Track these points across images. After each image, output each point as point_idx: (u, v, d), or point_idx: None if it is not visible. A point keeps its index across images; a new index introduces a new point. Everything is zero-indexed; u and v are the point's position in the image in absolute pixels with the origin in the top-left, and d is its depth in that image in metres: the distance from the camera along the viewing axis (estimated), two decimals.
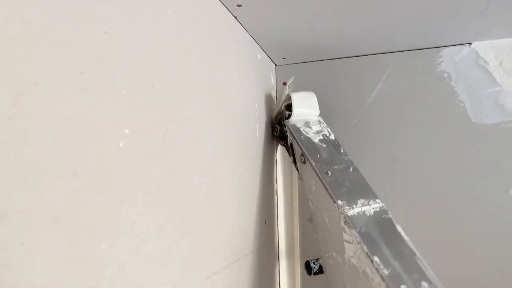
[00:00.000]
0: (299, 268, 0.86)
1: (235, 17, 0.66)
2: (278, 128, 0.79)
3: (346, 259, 0.54)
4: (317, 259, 0.66)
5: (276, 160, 0.87)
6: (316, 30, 0.74)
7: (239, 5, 0.62)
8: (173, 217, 0.44)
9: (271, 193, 0.83)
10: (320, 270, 0.65)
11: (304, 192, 0.69)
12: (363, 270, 0.50)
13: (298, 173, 0.72)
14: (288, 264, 0.86)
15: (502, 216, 0.76)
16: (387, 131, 0.84)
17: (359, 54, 0.87)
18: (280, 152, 0.88)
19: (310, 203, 0.67)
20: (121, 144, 0.35)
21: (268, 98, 0.85)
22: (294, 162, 0.74)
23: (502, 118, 0.77)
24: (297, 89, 0.90)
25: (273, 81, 0.90)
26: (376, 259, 0.48)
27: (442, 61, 0.82)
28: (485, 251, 0.76)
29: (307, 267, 0.66)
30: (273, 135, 0.84)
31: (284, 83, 0.91)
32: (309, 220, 0.68)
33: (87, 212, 0.31)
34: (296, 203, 0.89)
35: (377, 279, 0.47)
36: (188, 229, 0.47)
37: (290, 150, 0.75)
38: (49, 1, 0.28)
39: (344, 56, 0.89)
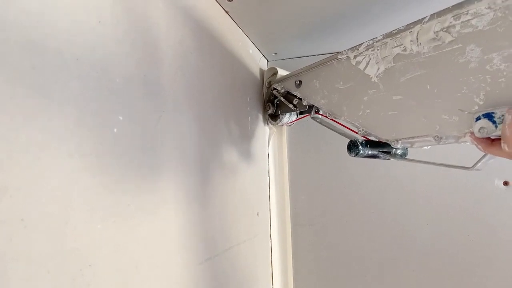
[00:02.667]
0: (291, 258, 0.88)
1: (227, 12, 0.68)
2: (270, 105, 0.83)
3: (376, 79, 0.55)
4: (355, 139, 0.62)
5: (268, 154, 0.89)
6: (306, 26, 0.75)
7: (230, 0, 0.63)
8: (166, 203, 0.45)
9: (263, 185, 0.84)
10: (366, 141, 0.62)
11: (317, 102, 0.68)
12: (394, 56, 0.52)
13: (306, 108, 0.73)
14: (280, 254, 0.88)
15: (487, 206, 0.78)
16: None
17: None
18: (272, 146, 0.90)
19: (322, 101, 0.66)
20: (115, 130, 0.37)
21: (260, 92, 0.87)
22: (295, 107, 0.75)
23: None
24: None
25: (264, 76, 0.91)
26: (393, 31, 0.52)
27: None
28: (471, 240, 0.78)
29: (353, 145, 0.62)
30: (266, 119, 0.86)
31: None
32: (330, 117, 0.66)
33: (83, 193, 0.32)
34: (287, 196, 0.91)
35: (407, 37, 0.50)
36: (181, 214, 0.48)
37: (286, 103, 0.76)
38: None
39: (333, 52, 0.90)
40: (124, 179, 0.38)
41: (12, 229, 0.26)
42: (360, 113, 0.60)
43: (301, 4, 0.66)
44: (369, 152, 0.62)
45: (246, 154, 0.75)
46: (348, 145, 0.63)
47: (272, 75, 0.82)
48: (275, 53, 0.91)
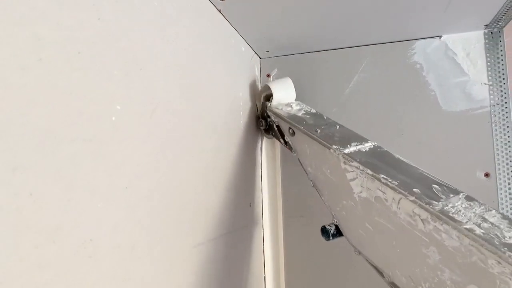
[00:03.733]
0: (282, 247, 0.92)
1: (219, 11, 0.71)
2: (263, 122, 0.85)
3: (356, 198, 0.56)
4: (331, 223, 0.66)
5: (261, 148, 0.92)
6: (297, 24, 0.79)
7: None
8: (161, 188, 0.48)
9: (255, 178, 0.88)
10: (338, 231, 0.65)
11: (303, 162, 0.72)
12: (375, 196, 0.52)
13: (292, 151, 0.76)
14: (272, 244, 0.91)
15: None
16: (364, 119, 0.90)
17: (338, 47, 0.93)
18: (265, 140, 0.93)
19: (309, 168, 0.70)
20: (113, 118, 0.40)
21: (253, 89, 0.90)
22: (285, 143, 0.78)
23: (469, 106, 0.83)
24: None
25: (257, 73, 0.94)
26: (382, 175, 0.51)
27: (414, 53, 0.88)
28: None
29: (324, 232, 0.65)
30: (258, 129, 0.89)
31: (268, 75, 0.96)
32: (312, 186, 0.70)
33: (84, 174, 0.35)
34: (279, 189, 0.94)
35: (390, 193, 0.49)
36: (175, 200, 0.52)
37: (278, 133, 0.79)
38: None
39: (324, 49, 0.94)
40: (122, 163, 0.41)
41: (21, 203, 0.29)
42: (338, 209, 0.63)
43: (293, 3, 0.69)
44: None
45: (239, 146, 0.79)
46: (321, 229, 0.66)
47: (266, 90, 0.83)
48: (267, 51, 0.94)
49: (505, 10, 0.74)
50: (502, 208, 0.80)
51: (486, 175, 0.81)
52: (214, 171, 0.65)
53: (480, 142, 0.82)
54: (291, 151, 0.76)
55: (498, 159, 0.81)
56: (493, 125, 0.82)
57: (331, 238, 0.65)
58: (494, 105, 0.82)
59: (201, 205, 0.59)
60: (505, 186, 0.80)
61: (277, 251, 0.92)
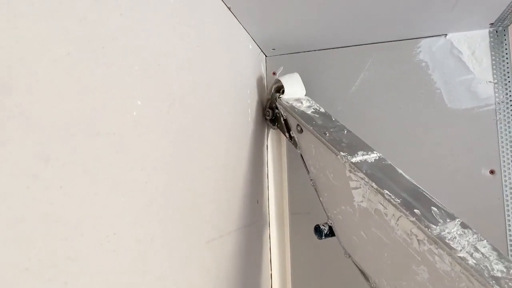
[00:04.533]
0: (288, 244, 0.92)
1: (229, 8, 0.71)
2: (270, 112, 0.85)
3: (356, 206, 0.58)
4: (326, 223, 0.68)
5: (267, 146, 0.93)
6: (304, 23, 0.79)
7: None
8: (176, 184, 0.49)
9: (262, 175, 0.88)
10: (331, 232, 0.67)
11: (306, 160, 0.73)
12: (375, 208, 0.54)
13: (296, 147, 0.76)
14: (278, 240, 0.92)
15: (475, 194, 0.83)
16: (370, 117, 0.90)
17: (344, 45, 0.93)
18: (270, 137, 0.94)
19: (311, 168, 0.71)
20: (134, 113, 0.40)
21: (259, 86, 0.90)
22: (290, 138, 0.78)
23: (474, 104, 0.84)
24: None
25: (263, 71, 0.95)
26: (386, 191, 0.53)
27: (420, 51, 0.89)
28: None
29: (317, 231, 0.67)
30: (264, 119, 0.89)
31: (274, 73, 0.96)
32: (312, 186, 0.72)
33: (108, 168, 0.36)
34: (285, 185, 0.94)
35: (391, 209, 0.51)
36: (189, 195, 0.52)
37: (284, 127, 0.80)
38: None
39: (330, 47, 0.95)
40: (143, 157, 0.41)
41: (53, 195, 0.29)
42: (335, 212, 0.64)
43: (299, 2, 0.69)
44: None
45: (247, 145, 0.79)
46: (315, 227, 0.69)
47: (277, 82, 0.84)
48: (273, 49, 0.94)
49: (511, 9, 0.75)
50: (507, 205, 0.81)
51: (491, 172, 0.82)
52: (225, 167, 0.66)
53: (485, 139, 0.83)
54: (295, 147, 0.77)
55: (503, 156, 0.82)
56: (498, 122, 0.83)
57: (323, 237, 0.67)
58: (499, 103, 0.83)
59: (213, 201, 0.60)
60: (510, 183, 0.81)
61: (283, 248, 0.93)
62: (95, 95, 0.35)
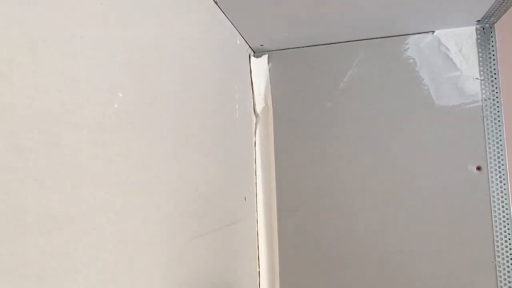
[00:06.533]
0: (276, 241, 0.92)
1: (216, 3, 0.70)
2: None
3: None
4: None
5: (255, 142, 0.92)
6: (291, 19, 0.79)
7: None
8: (161, 179, 0.48)
9: (250, 171, 0.87)
10: None
11: None
12: None
13: None
14: (266, 237, 0.91)
15: (463, 190, 0.83)
16: (358, 114, 0.90)
17: (332, 42, 0.93)
18: (259, 133, 0.93)
19: None
20: (116, 106, 0.39)
21: (247, 83, 0.90)
22: None
23: (461, 100, 0.84)
24: (273, 74, 0.96)
25: (251, 67, 0.94)
26: None
27: (408, 48, 0.89)
28: (447, 224, 0.83)
29: None
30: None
31: None
32: None
33: (88, 162, 0.35)
34: (273, 182, 0.94)
35: None
36: (173, 191, 0.51)
37: None
38: None
39: (318, 44, 0.94)
40: (124, 151, 0.40)
41: (27, 189, 0.28)
42: None
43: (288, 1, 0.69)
44: None
45: (234, 141, 0.78)
46: None
47: None
48: (261, 45, 0.94)
49: (497, 6, 0.76)
50: (494, 201, 0.81)
51: (478, 168, 0.83)
52: (211, 164, 0.65)
53: (472, 136, 0.83)
54: None
55: (490, 153, 0.82)
56: (485, 119, 0.83)
57: None
58: (485, 100, 0.83)
59: (199, 198, 0.59)
60: (497, 180, 0.81)
61: (271, 245, 0.92)
62: (73, 86, 0.33)
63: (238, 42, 0.85)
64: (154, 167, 0.46)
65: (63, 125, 0.32)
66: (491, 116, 0.83)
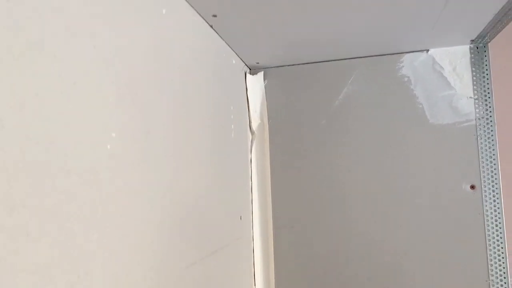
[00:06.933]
0: (272, 260, 0.92)
1: (211, 26, 0.71)
2: None
3: None
4: None
5: (251, 159, 0.92)
6: (286, 37, 0.79)
7: (214, 15, 0.66)
8: (155, 212, 0.48)
9: (246, 190, 0.88)
10: None
11: None
12: None
13: None
14: (262, 256, 0.91)
15: (457, 208, 0.84)
16: (353, 131, 0.91)
17: (328, 60, 0.94)
18: (255, 150, 0.93)
19: None
20: (109, 147, 0.40)
21: (243, 101, 0.90)
22: None
23: (455, 119, 0.85)
24: (269, 91, 0.96)
25: (247, 85, 0.94)
26: None
27: (402, 66, 0.89)
28: (441, 242, 0.84)
29: None
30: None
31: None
32: None
33: (80, 206, 0.35)
34: (269, 200, 0.94)
35: None
36: (168, 220, 0.51)
37: None
38: (46, 20, 0.32)
39: (313, 61, 0.95)
40: (117, 190, 0.41)
41: (19, 244, 0.29)
42: None
43: (281, 17, 0.69)
44: None
45: (230, 160, 0.79)
46: None
47: None
48: (257, 62, 0.94)
49: (491, 26, 0.76)
50: (487, 220, 0.82)
51: (472, 187, 0.83)
52: (208, 188, 0.65)
53: (466, 155, 0.84)
54: None
55: (484, 172, 0.83)
56: (479, 138, 0.84)
57: None
58: (479, 119, 0.84)
59: (193, 225, 0.59)
60: (490, 198, 0.82)
61: (267, 263, 0.92)
62: (65, 134, 0.34)
63: (234, 62, 0.85)
64: (148, 201, 0.47)
65: (55, 174, 0.32)
66: (485, 135, 0.83)
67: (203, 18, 0.67)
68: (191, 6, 0.62)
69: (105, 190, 0.39)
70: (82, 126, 0.36)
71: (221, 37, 0.76)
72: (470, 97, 0.85)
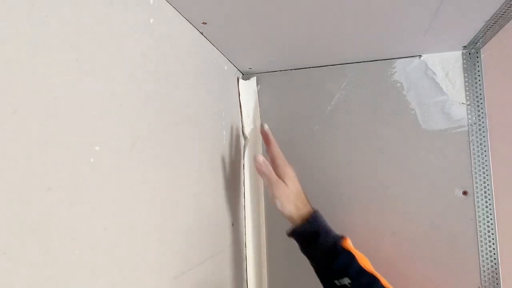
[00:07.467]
0: (265, 267, 0.92)
1: (201, 33, 0.70)
2: None
3: None
4: None
5: (243, 165, 0.92)
6: (278, 43, 0.79)
7: (204, 23, 0.66)
8: (141, 223, 0.48)
9: (238, 195, 0.88)
10: None
11: None
12: None
13: None
14: (255, 263, 0.91)
15: (449, 214, 0.83)
16: (345, 137, 0.90)
17: (320, 65, 0.93)
18: (247, 156, 0.93)
19: None
20: (92, 160, 0.39)
21: (235, 107, 0.90)
22: None
23: (448, 125, 0.85)
24: (262, 96, 0.96)
25: (240, 90, 0.94)
26: None
27: (395, 72, 0.89)
28: (434, 247, 0.84)
29: None
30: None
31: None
32: None
33: (61, 223, 0.35)
34: (262, 204, 0.94)
35: None
36: (155, 233, 0.51)
37: None
38: (26, 35, 0.32)
39: (306, 67, 0.95)
40: (101, 203, 0.40)
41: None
42: None
43: (273, 23, 0.69)
44: None
45: (222, 166, 0.78)
46: None
47: None
48: (250, 68, 0.94)
49: (483, 33, 0.76)
50: (480, 226, 0.82)
51: (464, 193, 0.83)
52: (195, 197, 0.65)
53: (459, 160, 0.84)
54: None
55: (476, 178, 0.83)
56: (471, 144, 0.83)
57: None
58: (471, 125, 0.84)
59: (181, 233, 0.59)
60: (483, 204, 0.82)
61: (260, 271, 0.92)
62: (45, 151, 0.34)
63: (226, 68, 0.85)
64: (134, 213, 0.46)
65: (35, 190, 0.32)
66: (477, 141, 0.83)
67: (193, 25, 0.66)
68: (180, 14, 0.62)
69: (88, 205, 0.38)
70: (63, 141, 0.36)
71: (212, 44, 0.76)
72: (463, 103, 0.85)
